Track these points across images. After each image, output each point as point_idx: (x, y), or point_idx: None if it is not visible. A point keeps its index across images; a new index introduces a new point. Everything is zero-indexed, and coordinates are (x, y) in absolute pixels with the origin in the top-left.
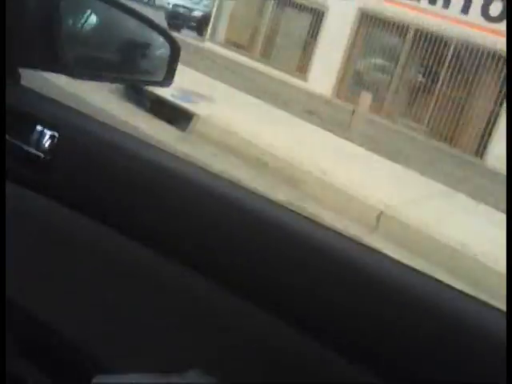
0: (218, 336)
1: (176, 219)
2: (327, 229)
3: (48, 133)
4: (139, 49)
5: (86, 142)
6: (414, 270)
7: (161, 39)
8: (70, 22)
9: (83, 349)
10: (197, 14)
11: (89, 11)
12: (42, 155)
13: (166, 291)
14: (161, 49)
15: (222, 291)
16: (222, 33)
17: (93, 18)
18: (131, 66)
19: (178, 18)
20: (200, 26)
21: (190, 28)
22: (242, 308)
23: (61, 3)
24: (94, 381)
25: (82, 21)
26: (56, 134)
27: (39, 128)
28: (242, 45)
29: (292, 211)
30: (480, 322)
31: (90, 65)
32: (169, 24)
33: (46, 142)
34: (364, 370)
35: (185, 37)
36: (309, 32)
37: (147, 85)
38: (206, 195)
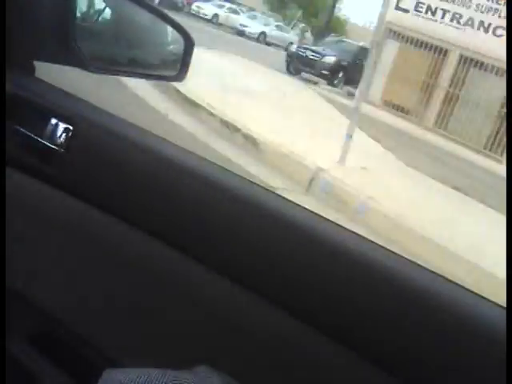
0: (227, 332)
1: (189, 214)
2: (334, 224)
3: (63, 126)
4: (153, 43)
5: (101, 135)
6: (416, 264)
7: (174, 32)
8: (85, 15)
9: (94, 342)
10: (329, 59)
11: (103, 5)
12: (56, 148)
13: (177, 286)
14: (175, 43)
15: (233, 288)
16: (377, 91)
17: (107, 12)
18: (145, 61)
19: (303, 63)
20: (334, 74)
21: (320, 76)
22: (250, 303)
23: None
24: (104, 374)
25: (97, 14)
26: (70, 128)
27: (54, 121)
28: (407, 109)
29: (298, 205)
30: (481, 318)
31: (103, 59)
32: (288, 68)
33: (61, 136)
34: (368, 363)
35: (317, 87)
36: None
37: (161, 80)
38: (220, 191)
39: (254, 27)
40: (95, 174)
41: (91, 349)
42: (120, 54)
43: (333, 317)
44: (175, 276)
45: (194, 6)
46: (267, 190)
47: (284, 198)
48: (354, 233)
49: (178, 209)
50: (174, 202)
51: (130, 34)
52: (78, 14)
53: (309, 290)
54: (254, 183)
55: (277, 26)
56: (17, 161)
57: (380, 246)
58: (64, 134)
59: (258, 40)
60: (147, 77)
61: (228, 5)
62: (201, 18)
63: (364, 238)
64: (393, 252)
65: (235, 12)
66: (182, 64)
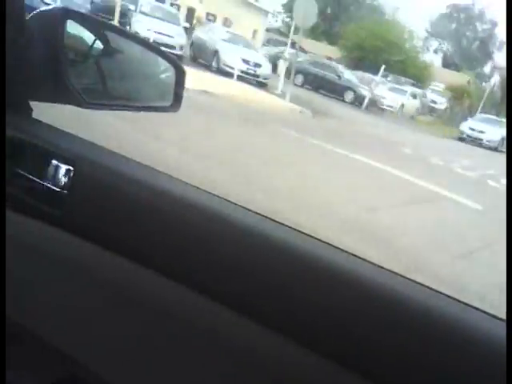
0: (222, 360)
1: (195, 248)
2: (340, 250)
3: (64, 167)
4: (145, 74)
5: (102, 175)
6: (415, 282)
7: (166, 64)
8: (76, 52)
9: (87, 368)
10: None
11: (93, 40)
12: (58, 190)
13: (187, 321)
14: (166, 74)
15: (239, 319)
16: None
17: (97, 47)
18: (138, 93)
19: None
20: None
21: None
22: (256, 333)
23: (66, 34)
24: None
25: (87, 50)
26: (71, 168)
27: (55, 162)
28: None
29: (302, 232)
30: (480, 331)
31: (97, 94)
32: None
33: (63, 177)
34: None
35: None
36: None
37: (156, 111)
38: (225, 224)
39: (491, 132)
40: (99, 213)
41: (85, 374)
42: (113, 88)
43: (339, 342)
44: (184, 311)
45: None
46: (270, 219)
47: (287, 226)
48: (361, 258)
49: (182, 243)
50: (178, 237)
51: (121, 67)
52: (69, 52)
53: (316, 317)
54: (258, 213)
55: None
56: (20, 204)
57: (374, 263)
58: (66, 175)
59: (496, 149)
60: (142, 109)
61: (409, 88)
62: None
63: (362, 258)
64: (388, 270)
65: (414, 97)
66: (175, 94)
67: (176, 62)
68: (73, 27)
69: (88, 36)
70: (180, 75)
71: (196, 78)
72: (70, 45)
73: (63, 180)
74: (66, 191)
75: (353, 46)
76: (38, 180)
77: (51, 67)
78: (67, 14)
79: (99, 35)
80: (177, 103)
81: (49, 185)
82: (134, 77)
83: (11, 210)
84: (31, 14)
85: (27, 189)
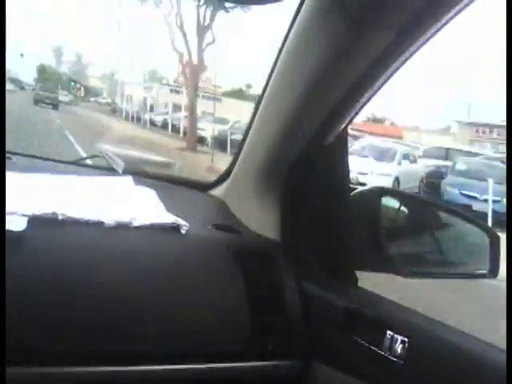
0: None
1: None
2: None
3: (399, 337)
4: (455, 240)
5: (437, 347)
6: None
7: (475, 229)
8: (392, 223)
9: None
10: None
11: (405, 211)
12: (395, 359)
13: None
14: (477, 238)
15: None
16: None
17: (409, 217)
18: (451, 259)
19: None
20: None
21: None
22: None
23: (382, 208)
24: None
25: (402, 222)
26: (406, 340)
27: (389, 332)
28: None
29: None
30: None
31: (416, 263)
32: None
33: (398, 347)
34: None
35: None
36: None
37: (474, 278)
38: None
39: None
40: None
41: None
42: (430, 256)
43: None
44: None
45: None
46: None
47: None
48: None
49: None
50: None
51: (435, 236)
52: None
53: None
54: None
55: None
56: (359, 371)
57: None
58: (401, 346)
59: None
60: (460, 276)
61: None
62: None
63: None
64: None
65: None
66: (491, 259)
67: (487, 227)
68: (388, 201)
69: (399, 207)
70: (494, 240)
71: None
72: (387, 217)
73: (399, 350)
74: (401, 361)
75: None
76: (374, 348)
77: (372, 239)
78: (383, 191)
79: (410, 206)
80: (495, 270)
81: (385, 354)
82: (448, 243)
83: (346, 374)
84: (353, 192)
85: (364, 356)
